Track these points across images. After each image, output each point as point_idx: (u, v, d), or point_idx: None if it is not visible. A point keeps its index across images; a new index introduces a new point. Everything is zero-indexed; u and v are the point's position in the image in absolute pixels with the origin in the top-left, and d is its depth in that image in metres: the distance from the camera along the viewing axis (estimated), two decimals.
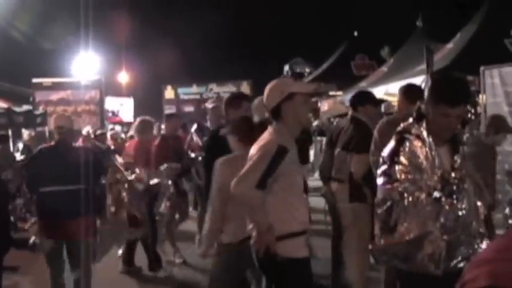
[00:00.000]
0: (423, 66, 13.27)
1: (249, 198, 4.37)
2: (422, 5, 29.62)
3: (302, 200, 4.48)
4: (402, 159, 3.87)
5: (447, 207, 3.79)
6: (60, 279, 6.97)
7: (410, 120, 4.13)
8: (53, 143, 7.61)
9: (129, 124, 34.05)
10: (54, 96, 27.24)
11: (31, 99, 26.63)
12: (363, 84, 19.24)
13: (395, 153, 3.94)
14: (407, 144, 3.93)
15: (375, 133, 6.57)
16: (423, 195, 3.77)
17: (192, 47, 51.46)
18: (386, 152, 4.05)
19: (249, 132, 5.25)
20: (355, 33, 28.22)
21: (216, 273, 5.52)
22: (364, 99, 7.64)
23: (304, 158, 6.68)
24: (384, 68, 19.92)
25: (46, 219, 6.88)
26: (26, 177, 8.16)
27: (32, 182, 7.20)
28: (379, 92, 15.25)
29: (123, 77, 51.12)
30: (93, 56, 37.10)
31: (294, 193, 4.41)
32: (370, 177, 6.75)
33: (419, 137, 3.94)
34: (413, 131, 4.00)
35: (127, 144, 10.61)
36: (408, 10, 24.83)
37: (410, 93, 6.79)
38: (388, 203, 3.81)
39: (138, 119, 9.93)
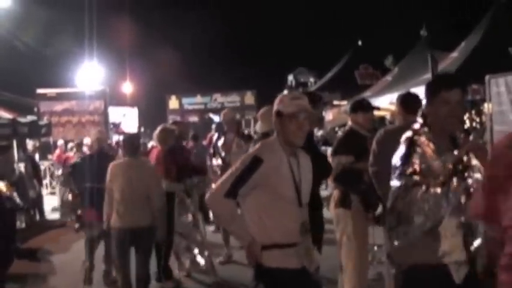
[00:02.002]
0: (428, 75, 13.25)
1: (217, 206, 4.51)
2: (426, 14, 29.68)
3: (288, 213, 4.39)
4: (415, 161, 3.89)
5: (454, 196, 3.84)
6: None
7: (417, 125, 4.14)
8: (92, 151, 10.33)
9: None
10: (59, 106, 27.31)
11: (35, 109, 26.69)
12: (367, 94, 19.23)
13: (407, 156, 3.96)
14: (418, 147, 3.95)
15: (374, 144, 6.52)
16: (437, 189, 3.79)
17: (196, 57, 51.65)
18: (397, 157, 4.05)
19: None
20: (359, 43, 28.16)
21: None
22: (355, 106, 7.68)
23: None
24: (388, 77, 19.91)
25: (89, 206, 9.07)
26: (73, 177, 9.92)
27: (78, 180, 9.44)
28: (383, 101, 15.22)
29: (127, 87, 51.24)
30: (97, 66, 37.18)
31: (277, 205, 4.36)
32: (343, 179, 6.95)
33: (428, 139, 3.98)
34: (422, 134, 4.03)
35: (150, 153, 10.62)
36: (412, 19, 24.84)
37: (408, 102, 6.76)
38: (402, 198, 3.83)
39: (159, 128, 9.86)
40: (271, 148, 4.48)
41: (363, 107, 7.69)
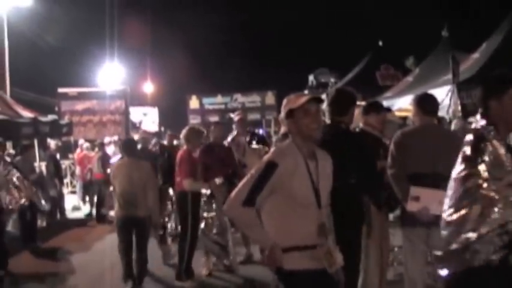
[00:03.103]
0: (449, 76, 13.18)
1: (236, 216, 4.51)
2: (448, 14, 29.49)
3: (305, 215, 4.36)
4: (485, 159, 3.80)
5: None
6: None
7: (482, 122, 4.03)
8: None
9: (154, 134, 34.26)
10: (80, 106, 27.47)
11: (56, 109, 26.83)
12: (388, 95, 19.13)
13: (476, 154, 3.86)
14: (487, 144, 3.86)
15: (392, 146, 6.51)
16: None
17: (217, 57, 51.72)
18: (465, 155, 3.94)
19: None
20: (380, 43, 27.99)
21: None
22: (367, 108, 7.75)
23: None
24: (409, 78, 19.76)
25: None
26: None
27: None
28: (404, 102, 15.14)
29: (148, 87, 51.50)
30: (118, 66, 37.44)
31: (294, 208, 4.34)
32: None
33: (496, 137, 3.88)
34: (490, 137, 3.92)
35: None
36: (433, 20, 24.69)
37: (425, 103, 6.71)
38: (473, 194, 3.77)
39: (187, 127, 10.00)
40: (286, 151, 4.47)
41: (375, 109, 7.71)
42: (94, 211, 17.19)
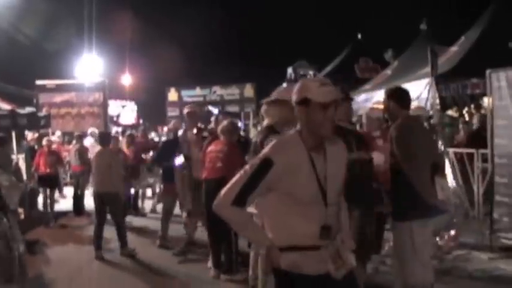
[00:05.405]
0: (427, 69, 13.18)
1: (226, 215, 4.05)
2: (427, 7, 29.60)
3: (307, 214, 3.95)
4: None
5: None
6: None
7: None
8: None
9: (131, 127, 34.13)
10: (58, 98, 27.22)
11: (34, 101, 26.62)
12: (366, 87, 19.15)
13: None
14: None
15: (401, 139, 6.50)
16: None
17: (195, 49, 51.55)
18: None
19: None
20: (359, 36, 28.04)
21: None
22: None
23: None
24: (388, 71, 19.78)
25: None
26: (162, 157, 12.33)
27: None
28: (382, 94, 15.14)
29: (127, 79, 51.20)
30: (96, 58, 37.17)
31: (294, 207, 3.96)
32: None
33: None
34: None
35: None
36: (412, 13, 24.74)
37: (402, 97, 6.78)
38: None
39: (227, 121, 9.95)
40: (286, 145, 4.07)
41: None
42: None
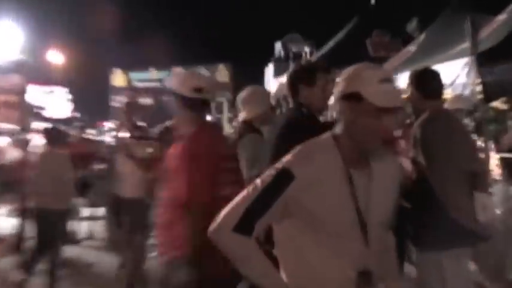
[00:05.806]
0: (466, 45, 13.26)
1: (223, 244, 3.75)
2: None
3: (339, 250, 3.68)
4: None
5: None
6: None
7: None
8: None
9: (63, 122, 33.96)
10: None
11: None
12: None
13: None
14: None
15: (425, 138, 6.49)
16: None
17: (150, 19, 51.68)
18: None
19: None
20: (372, 1, 28.25)
21: None
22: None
23: None
24: (412, 48, 19.90)
25: None
26: None
27: None
28: (405, 79, 15.21)
29: (54, 57, 50.92)
30: (14, 29, 36.99)
31: (323, 242, 3.68)
32: None
33: None
34: None
35: None
36: None
37: (429, 82, 6.83)
38: None
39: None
40: (314, 153, 3.78)
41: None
42: None
